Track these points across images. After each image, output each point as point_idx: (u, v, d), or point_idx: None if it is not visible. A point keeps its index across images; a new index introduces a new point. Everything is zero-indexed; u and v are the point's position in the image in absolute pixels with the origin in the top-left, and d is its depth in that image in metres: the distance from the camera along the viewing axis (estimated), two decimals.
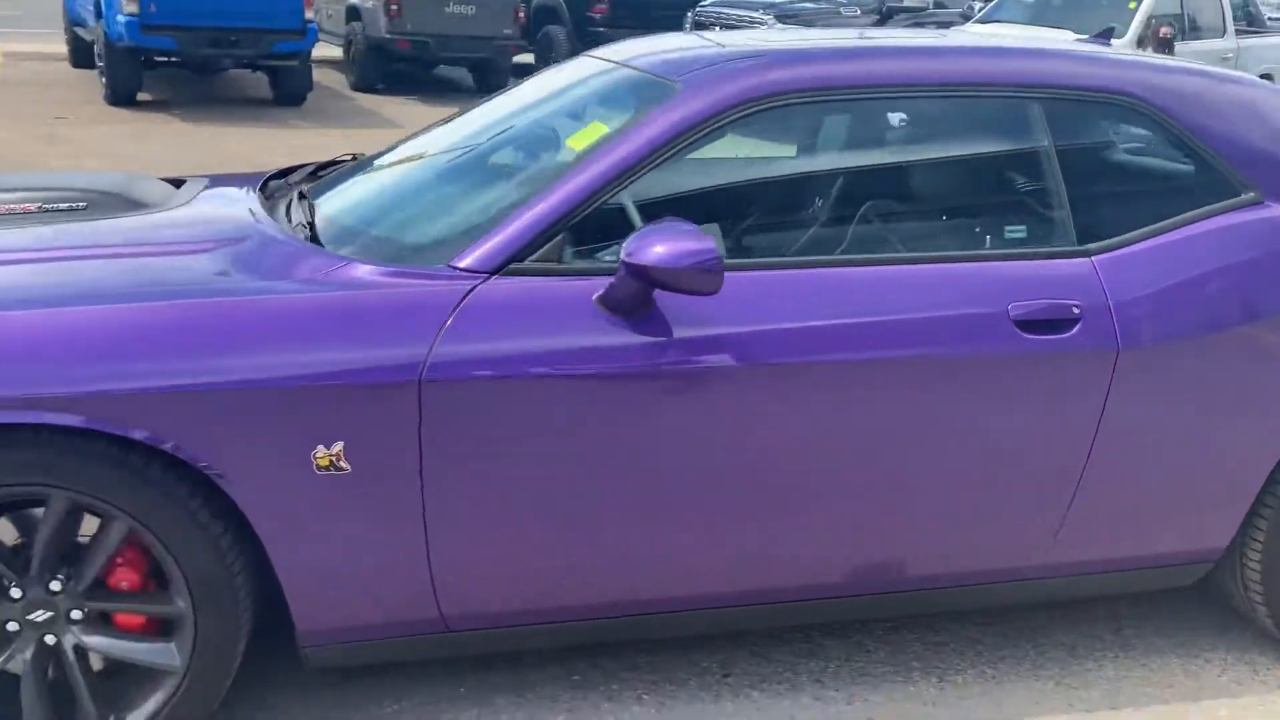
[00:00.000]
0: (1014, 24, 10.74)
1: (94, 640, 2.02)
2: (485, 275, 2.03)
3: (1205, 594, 2.77)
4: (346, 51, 12.20)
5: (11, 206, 2.42)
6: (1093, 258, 2.26)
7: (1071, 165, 2.32)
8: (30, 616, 1.98)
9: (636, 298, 2.00)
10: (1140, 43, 10.26)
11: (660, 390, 2.04)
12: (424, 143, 2.72)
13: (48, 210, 2.42)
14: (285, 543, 1.99)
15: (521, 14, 12.36)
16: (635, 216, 2.16)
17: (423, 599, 2.10)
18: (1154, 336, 2.23)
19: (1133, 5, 10.39)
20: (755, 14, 11.18)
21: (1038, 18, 10.80)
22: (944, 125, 2.43)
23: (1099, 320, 2.21)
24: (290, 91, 10.34)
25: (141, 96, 9.89)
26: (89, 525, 2.01)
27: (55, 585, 1.98)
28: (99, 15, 9.49)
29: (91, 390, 1.85)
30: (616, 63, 2.58)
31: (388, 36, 11.36)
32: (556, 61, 13.74)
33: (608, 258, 2.11)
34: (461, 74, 13.31)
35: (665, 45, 2.61)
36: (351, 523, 2.01)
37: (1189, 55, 10.49)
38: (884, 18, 11.79)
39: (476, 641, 2.21)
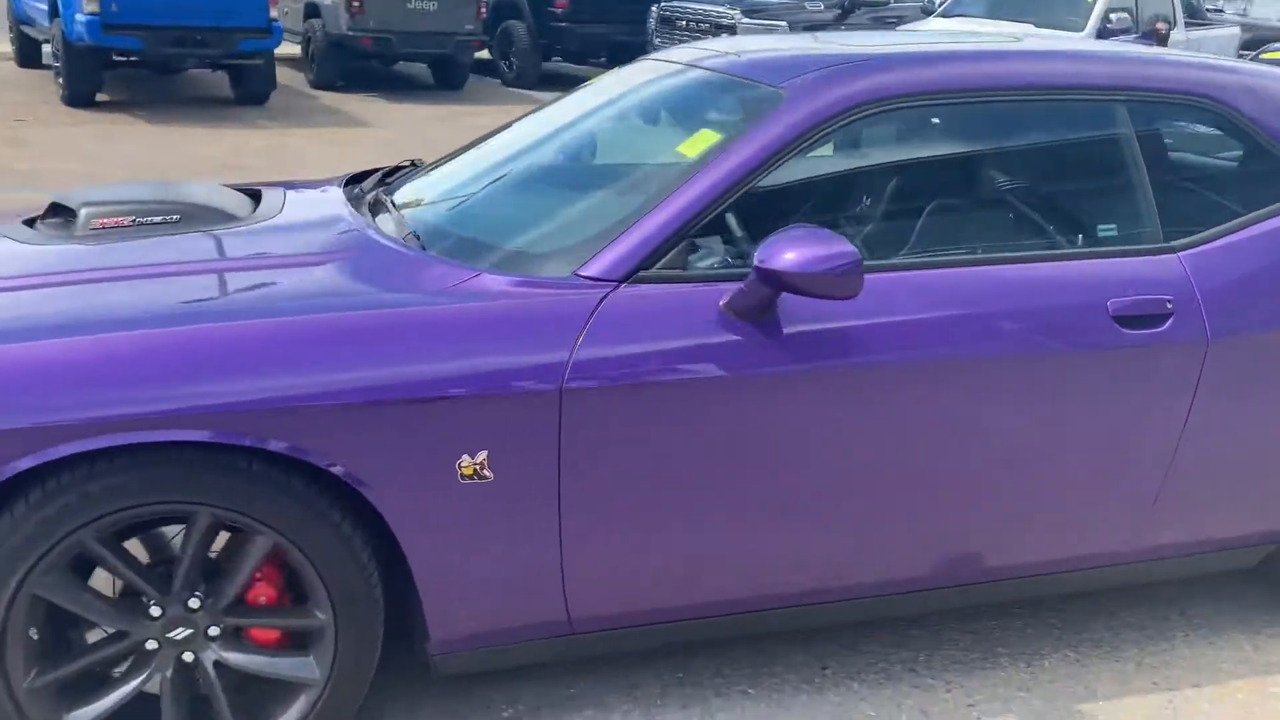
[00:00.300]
0: (975, 18, 10.94)
1: (233, 656, 2.01)
2: (614, 284, 2.06)
3: (1260, 574, 2.89)
4: (305, 49, 12.02)
5: (105, 220, 2.38)
6: (1179, 254, 2.36)
7: (1154, 165, 2.42)
8: (170, 635, 1.97)
9: (764, 302, 2.05)
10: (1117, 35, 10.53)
11: (787, 391, 2.09)
12: (506, 144, 2.74)
13: (142, 224, 2.39)
14: (426, 551, 2.00)
15: (483, 10, 12.30)
16: (750, 222, 2.20)
17: (553, 603, 2.12)
18: (1240, 328, 2.34)
19: (1090, 1, 10.65)
20: (721, 8, 11.25)
21: (995, 11, 11.02)
22: (1037, 127, 2.50)
23: (1189, 314, 2.30)
24: (253, 91, 10.17)
25: (100, 97, 9.67)
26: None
27: (194, 603, 1.97)
28: (54, 14, 9.25)
29: (223, 404, 1.84)
30: (695, 66, 2.61)
31: (349, 33, 11.22)
32: (516, 57, 13.62)
33: (728, 263, 2.15)
34: (420, 70, 13.20)
35: (745, 48, 2.65)
36: (491, 530, 2.02)
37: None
38: (845, 12, 11.95)
39: (598, 643, 2.23)
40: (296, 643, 2.06)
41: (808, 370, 2.09)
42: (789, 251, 1.96)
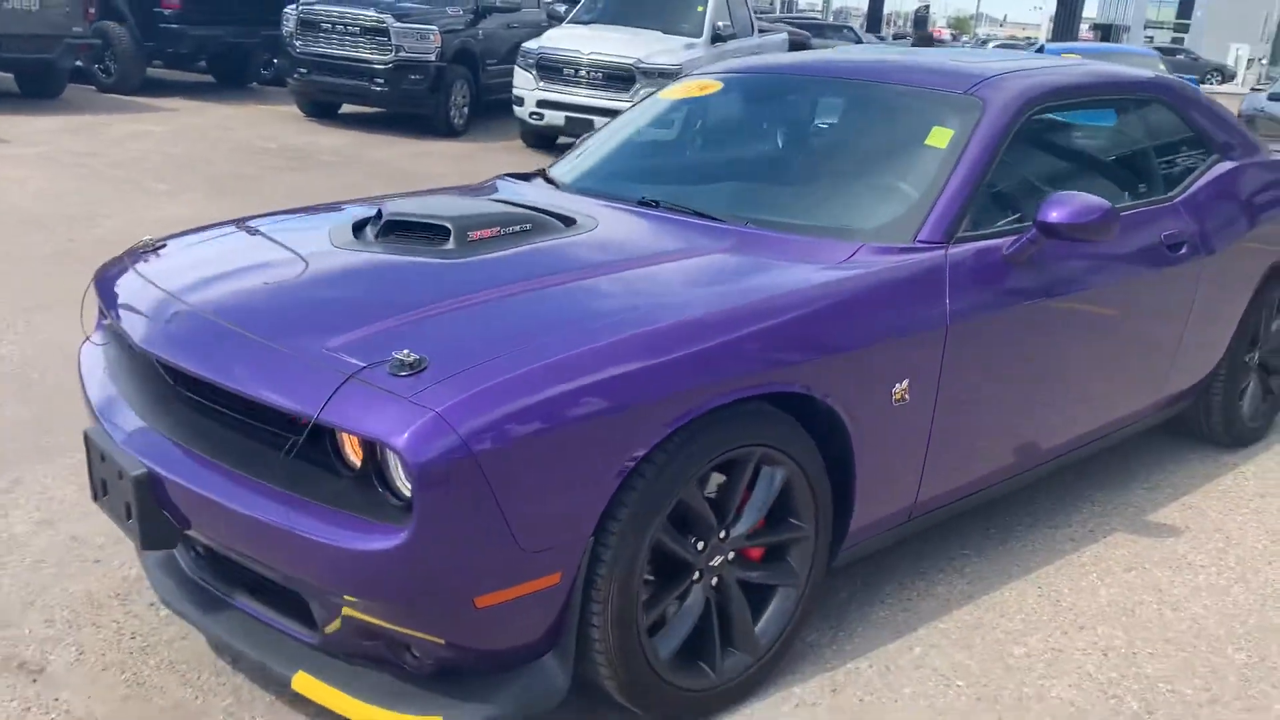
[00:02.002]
0: (604, 25, 12.06)
1: (743, 574, 2.43)
2: (945, 245, 2.75)
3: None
4: None
5: (479, 233, 2.59)
6: (1176, 200, 3.52)
7: (1156, 140, 3.56)
8: (710, 563, 2.36)
9: (1034, 250, 2.85)
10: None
11: (1044, 312, 2.92)
12: (695, 138, 3.27)
13: (506, 234, 2.62)
14: (868, 463, 2.57)
15: (92, 11, 11.25)
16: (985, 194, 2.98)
17: (910, 493, 2.77)
18: (1214, 247, 3.55)
19: (700, 9, 12.24)
20: (369, 12, 11.33)
21: (619, 19, 12.23)
22: (1126, 118, 3.55)
23: (1192, 241, 3.46)
24: None
25: None
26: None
27: (723, 534, 2.37)
28: None
29: (777, 363, 2.31)
30: (869, 81, 3.32)
31: None
32: (116, 61, 12.54)
33: (993, 225, 2.92)
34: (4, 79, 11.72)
35: (891, 61, 3.43)
36: (900, 440, 2.64)
37: (735, 53, 12.63)
38: (478, 17, 12.56)
39: (920, 524, 2.91)
40: (775, 555, 2.52)
41: (1054, 296, 2.94)
42: (1064, 209, 2.78)
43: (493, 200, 2.92)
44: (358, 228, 2.80)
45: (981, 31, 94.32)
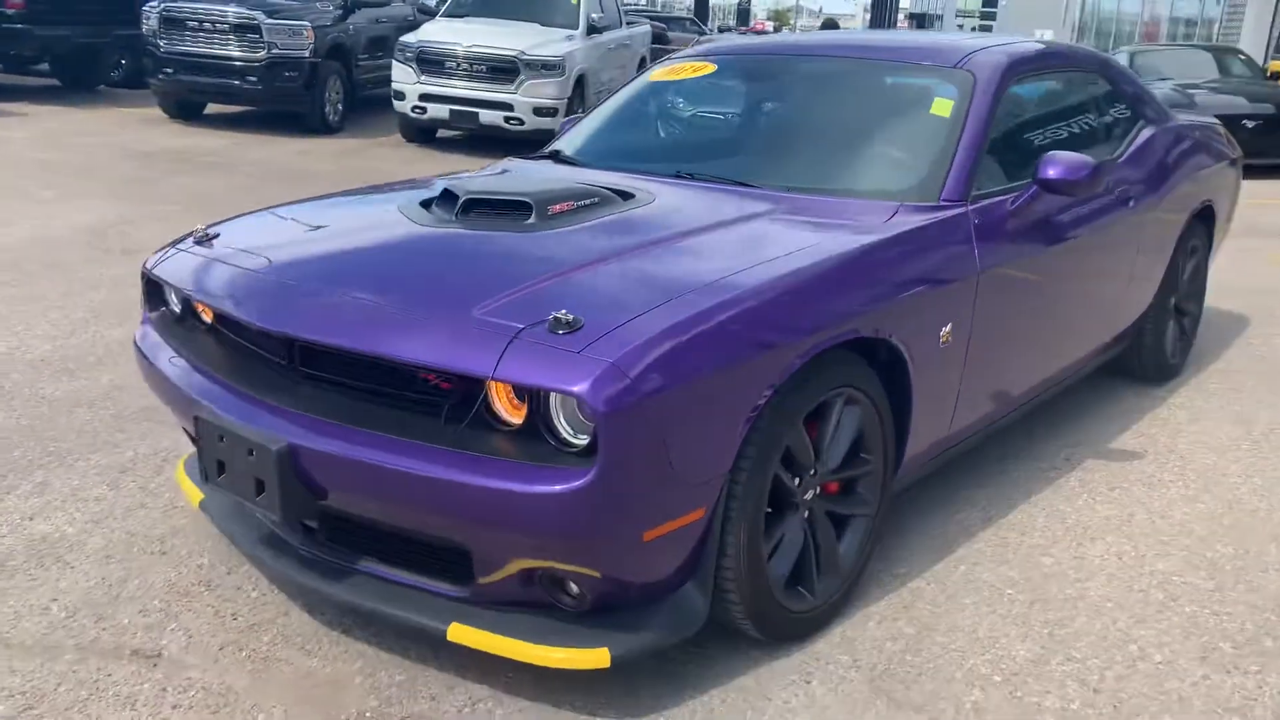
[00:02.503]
0: (480, 18, 12.08)
1: (830, 506, 2.67)
2: (964, 203, 3.06)
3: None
4: None
5: (557, 207, 2.74)
6: (1120, 159, 3.94)
7: (1099, 107, 3.97)
8: (805, 496, 2.59)
9: (1035, 204, 3.19)
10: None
11: (1048, 258, 3.27)
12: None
13: (580, 207, 2.78)
14: (922, 397, 2.84)
15: None
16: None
17: (946, 426, 3.06)
18: (1147, 200, 3.99)
19: (574, 2, 12.41)
20: (241, 9, 11.04)
21: (496, 11, 12.27)
22: (1078, 89, 3.92)
23: (1134, 193, 3.89)
24: None
25: None
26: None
27: (813, 471, 2.60)
28: None
29: (858, 312, 2.56)
30: (864, 59, 3.60)
31: None
32: None
33: (995, 184, 3.23)
34: None
35: (895, 40, 3.75)
36: (943, 376, 2.93)
37: (608, 44, 12.87)
38: (348, 11, 12.38)
39: (948, 454, 3.20)
40: (848, 487, 2.77)
41: (1050, 244, 3.29)
42: (1059, 167, 3.12)
43: (550, 177, 3.06)
44: (425, 206, 2.91)
45: (802, 23, 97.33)
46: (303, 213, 3.05)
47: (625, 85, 4.05)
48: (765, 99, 3.67)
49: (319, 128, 11.82)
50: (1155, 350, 4.46)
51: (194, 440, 2.60)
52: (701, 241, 2.66)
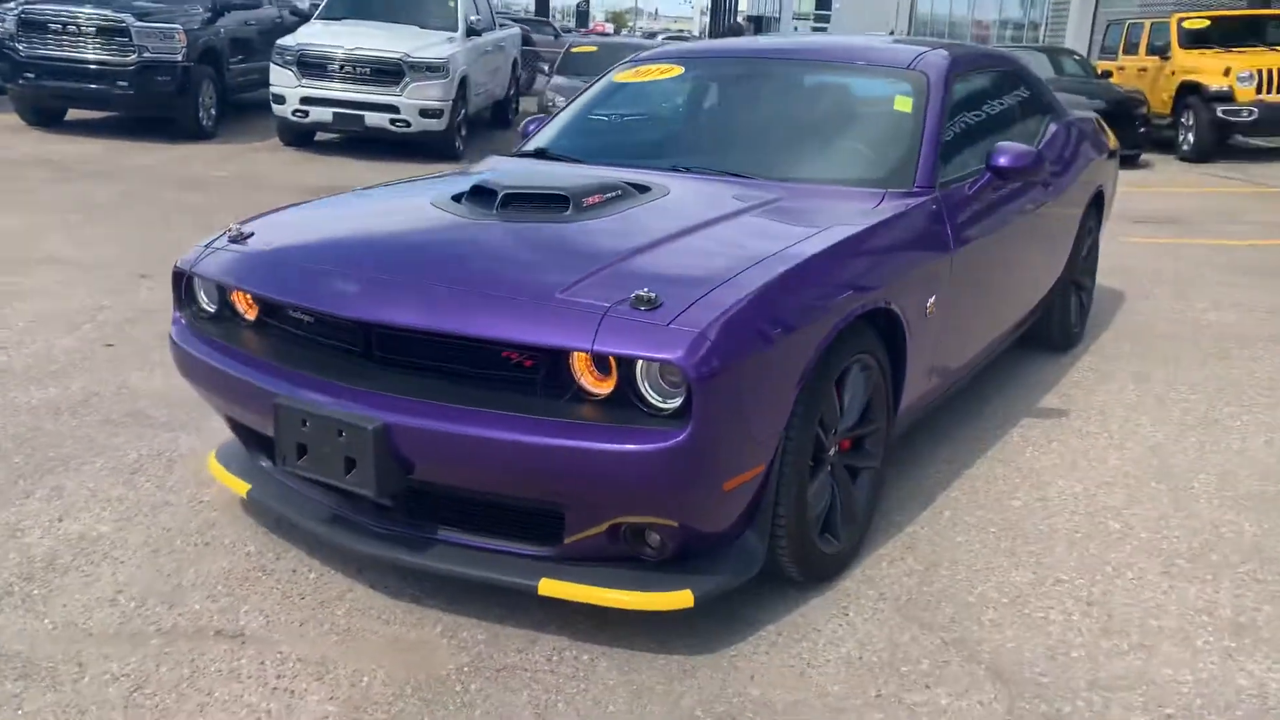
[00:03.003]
0: (357, 20, 12.01)
1: (846, 460, 2.99)
2: (934, 189, 3.43)
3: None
4: None
5: (590, 199, 2.96)
6: (1038, 149, 4.40)
7: (1020, 103, 4.43)
8: (829, 452, 2.90)
9: (988, 188, 3.60)
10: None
11: (998, 236, 3.68)
12: (683, 118, 3.78)
13: (610, 199, 3.02)
14: (913, 363, 3.19)
15: None
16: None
17: (924, 387, 3.42)
18: (1062, 185, 4.48)
19: (451, 4, 12.47)
20: (101, 11, 10.68)
21: (371, 13, 12.22)
22: (1007, 88, 4.34)
23: (1052, 180, 4.37)
24: None
25: None
26: None
27: (835, 429, 2.91)
28: None
29: (875, 286, 2.88)
30: (807, 60, 3.92)
31: None
32: None
33: (951, 172, 3.62)
34: None
35: (851, 45, 4.09)
36: (929, 344, 3.29)
37: (485, 45, 12.97)
38: (216, 14, 12.11)
39: (922, 411, 3.57)
40: (857, 444, 3.09)
41: (999, 225, 3.70)
42: (1009, 155, 3.54)
43: (568, 173, 3.28)
44: (456, 200, 3.09)
45: (642, 25, 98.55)
46: (334, 209, 3.19)
47: (593, 84, 4.29)
48: (738, 97, 3.97)
49: (193, 133, 11.55)
50: (1063, 319, 4.98)
51: (236, 428, 2.73)
52: (731, 226, 2.94)
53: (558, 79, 12.92)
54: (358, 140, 12.01)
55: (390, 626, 2.69)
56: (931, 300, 3.23)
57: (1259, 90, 12.31)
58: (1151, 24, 14.23)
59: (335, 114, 11.10)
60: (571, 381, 2.45)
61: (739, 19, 62.54)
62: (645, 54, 4.35)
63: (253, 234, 3.03)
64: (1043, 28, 22.08)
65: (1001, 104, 4.39)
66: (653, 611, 2.56)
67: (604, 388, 2.44)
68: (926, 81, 3.74)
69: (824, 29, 55.88)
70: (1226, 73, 12.45)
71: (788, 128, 3.80)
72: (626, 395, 2.40)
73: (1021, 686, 2.48)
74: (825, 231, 2.90)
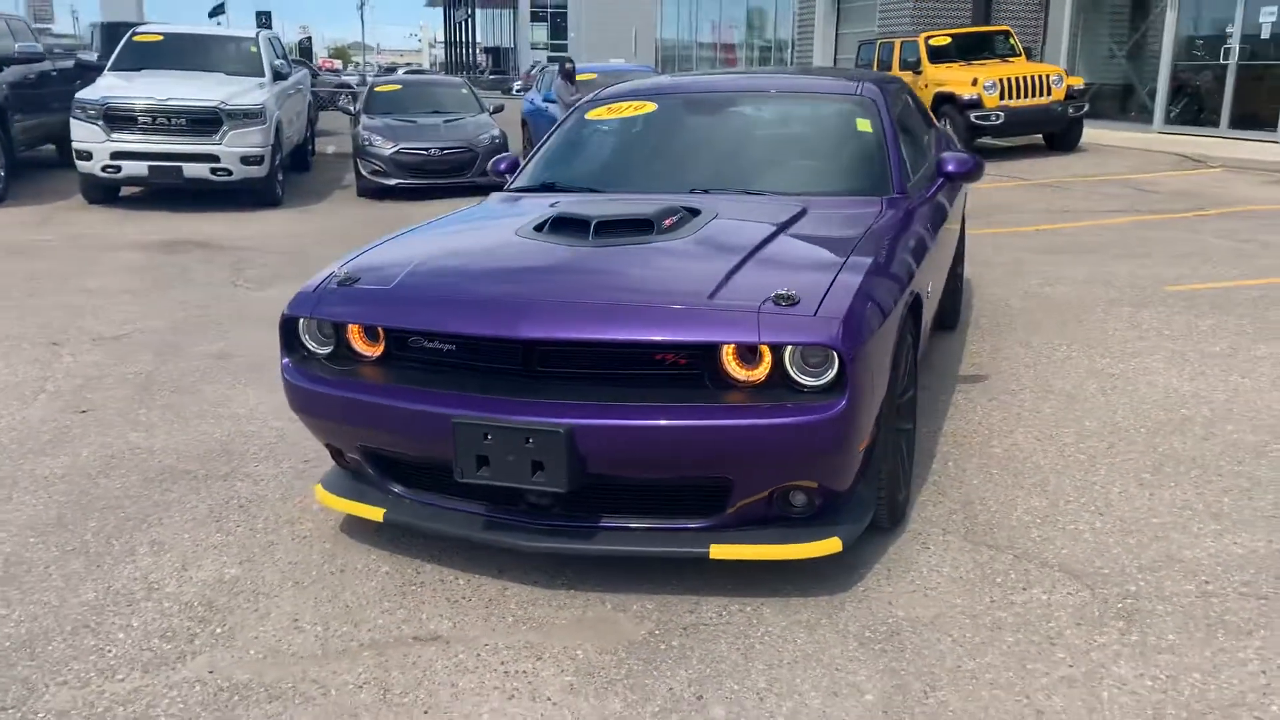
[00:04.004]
0: (156, 71, 11.63)
1: (898, 423, 3.55)
2: (906, 195, 4.07)
3: None
4: None
5: (667, 220, 3.39)
6: (940, 161, 5.17)
7: (921, 118, 5.17)
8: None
9: (938, 193, 4.28)
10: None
11: (941, 230, 4.36)
12: (675, 153, 4.26)
13: (677, 221, 3.45)
14: (923, 337, 3.81)
15: None
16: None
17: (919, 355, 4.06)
18: (954, 188, 5.26)
19: (254, 50, 12.29)
20: None
21: (168, 64, 11.87)
22: (909, 106, 5.03)
23: (941, 184, 5.14)
24: None
25: None
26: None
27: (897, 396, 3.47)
28: None
29: (914, 272, 3.48)
30: (765, 92, 4.48)
31: None
32: None
33: (912, 177, 4.27)
34: None
35: (798, 82, 4.64)
36: (927, 322, 3.91)
37: (290, 88, 12.84)
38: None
39: None
40: (900, 410, 3.64)
41: (945, 220, 4.40)
42: (956, 163, 4.24)
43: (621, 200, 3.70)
44: (539, 229, 3.45)
45: (373, 60, 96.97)
46: (423, 246, 3.46)
47: (567, 122, 4.69)
48: (725, 127, 4.48)
49: None
50: (954, 301, 5.80)
51: (368, 459, 2.98)
52: (793, 234, 3.44)
53: (369, 119, 12.98)
54: (166, 193, 11.65)
55: (565, 611, 3.01)
56: (930, 284, 3.86)
57: (1002, 96, 14.05)
58: (902, 42, 15.87)
59: (151, 167, 10.76)
60: (721, 372, 2.88)
61: (479, 52, 63.04)
62: (608, 91, 4.79)
63: (359, 278, 3.25)
64: (789, 49, 23.89)
65: (915, 120, 5.13)
66: (779, 563, 3.03)
67: (754, 374, 2.88)
68: (875, 105, 4.40)
69: (563, 56, 57.21)
70: (974, 83, 14.12)
71: (778, 149, 4.36)
72: (776, 379, 2.86)
73: (1092, 579, 3.12)
74: (870, 234, 3.47)
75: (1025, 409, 4.63)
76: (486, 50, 64.69)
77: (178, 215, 10.89)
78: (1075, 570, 3.17)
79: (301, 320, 3.25)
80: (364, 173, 12.36)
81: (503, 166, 4.72)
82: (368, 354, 3.22)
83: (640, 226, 3.40)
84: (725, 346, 2.85)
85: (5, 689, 2.64)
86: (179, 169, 10.82)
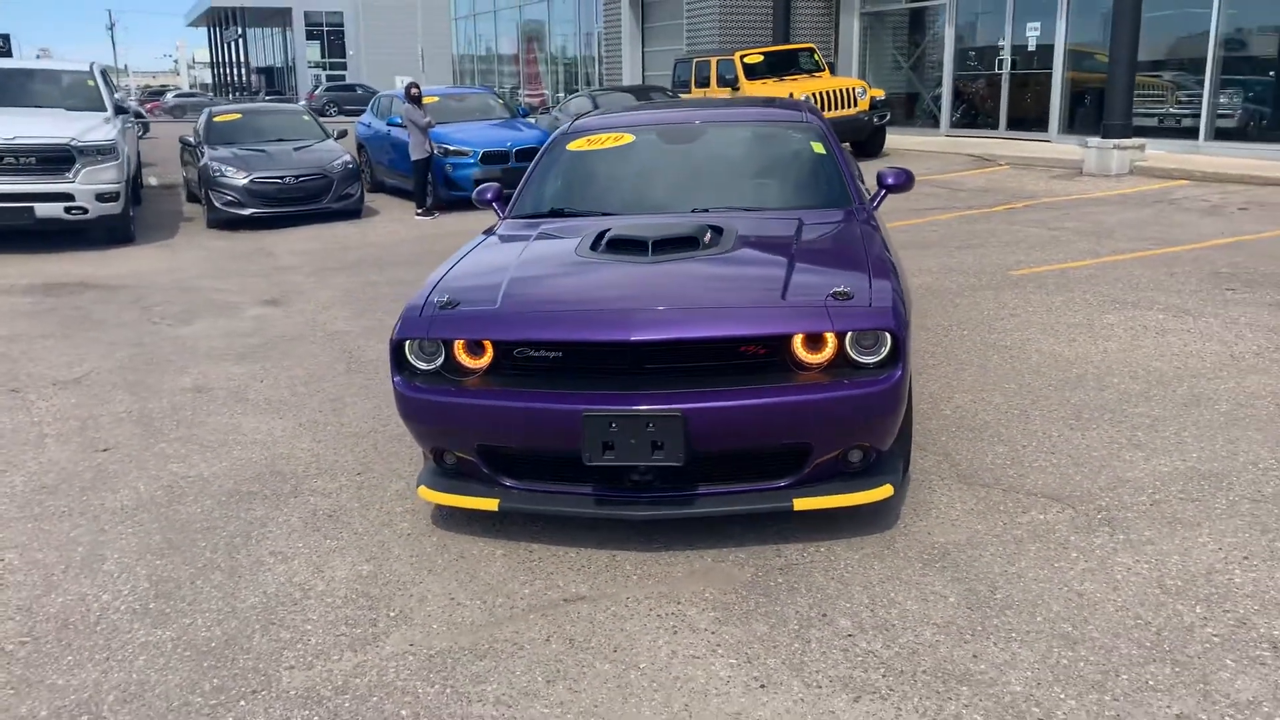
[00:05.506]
0: None
1: None
2: (864, 205, 4.85)
3: None
4: None
5: (706, 237, 4.02)
6: (883, 174, 6.00)
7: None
8: None
9: (882, 201, 5.09)
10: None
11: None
12: (642, 175, 4.90)
13: (714, 237, 4.08)
14: None
15: None
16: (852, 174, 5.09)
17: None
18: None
19: (91, 84, 11.96)
20: None
21: (8, 100, 11.44)
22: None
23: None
24: None
25: None
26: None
27: None
28: None
29: (898, 268, 4.25)
30: (736, 122, 5.18)
31: None
32: None
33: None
34: None
35: (756, 111, 5.33)
36: None
37: (130, 119, 12.55)
38: None
39: None
40: None
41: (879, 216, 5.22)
42: (894, 176, 5.07)
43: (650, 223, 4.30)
44: (594, 248, 4.01)
45: (128, 84, 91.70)
46: (499, 268, 3.96)
47: (550, 153, 5.23)
48: (703, 153, 5.12)
49: None
50: None
51: (484, 456, 3.50)
52: (808, 240, 4.14)
53: (212, 150, 12.86)
54: (10, 235, 11.22)
55: (675, 567, 3.59)
56: (896, 281, 4.66)
57: (822, 109, 15.34)
58: (718, 60, 16.98)
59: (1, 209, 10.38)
60: (793, 357, 3.55)
61: (253, 72, 60.97)
62: (579, 124, 5.35)
63: (459, 301, 3.72)
64: (598, 65, 24.76)
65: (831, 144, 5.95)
66: (828, 515, 3.74)
67: (820, 357, 3.56)
68: (820, 127, 5.17)
69: (342, 76, 56.18)
70: (791, 96, 15.35)
71: (755, 171, 5.06)
72: (839, 360, 3.56)
73: (1070, 500, 3.97)
74: (865, 239, 4.22)
75: (951, 378, 5.52)
76: (260, 70, 62.64)
77: (34, 257, 10.56)
78: (1055, 495, 4.02)
79: (408, 342, 3.69)
80: (217, 204, 12.27)
81: (489, 196, 5.21)
82: (473, 367, 3.69)
83: (688, 243, 4.01)
84: (798, 336, 3.51)
85: (243, 677, 2.99)
86: (30, 209, 10.50)
